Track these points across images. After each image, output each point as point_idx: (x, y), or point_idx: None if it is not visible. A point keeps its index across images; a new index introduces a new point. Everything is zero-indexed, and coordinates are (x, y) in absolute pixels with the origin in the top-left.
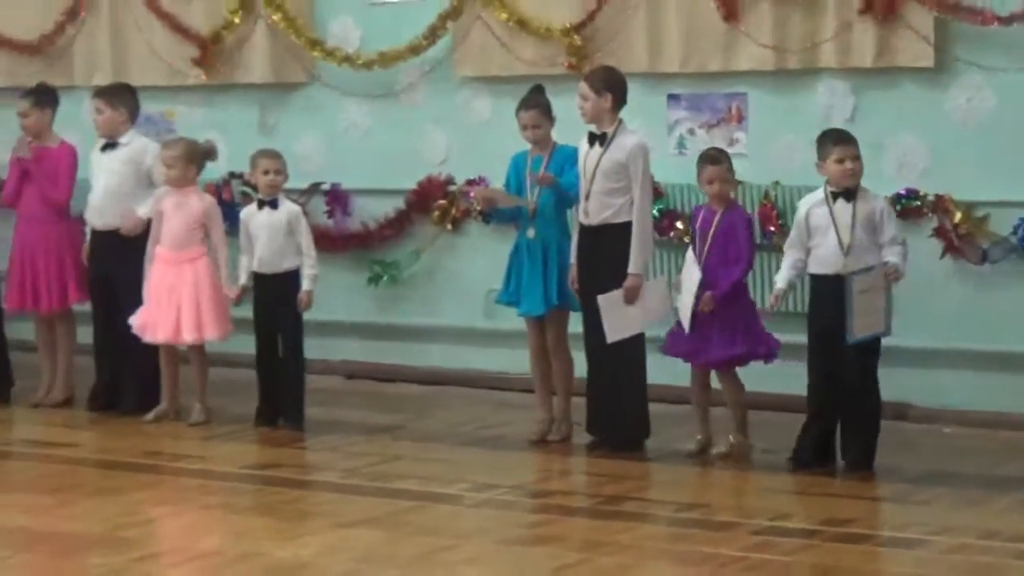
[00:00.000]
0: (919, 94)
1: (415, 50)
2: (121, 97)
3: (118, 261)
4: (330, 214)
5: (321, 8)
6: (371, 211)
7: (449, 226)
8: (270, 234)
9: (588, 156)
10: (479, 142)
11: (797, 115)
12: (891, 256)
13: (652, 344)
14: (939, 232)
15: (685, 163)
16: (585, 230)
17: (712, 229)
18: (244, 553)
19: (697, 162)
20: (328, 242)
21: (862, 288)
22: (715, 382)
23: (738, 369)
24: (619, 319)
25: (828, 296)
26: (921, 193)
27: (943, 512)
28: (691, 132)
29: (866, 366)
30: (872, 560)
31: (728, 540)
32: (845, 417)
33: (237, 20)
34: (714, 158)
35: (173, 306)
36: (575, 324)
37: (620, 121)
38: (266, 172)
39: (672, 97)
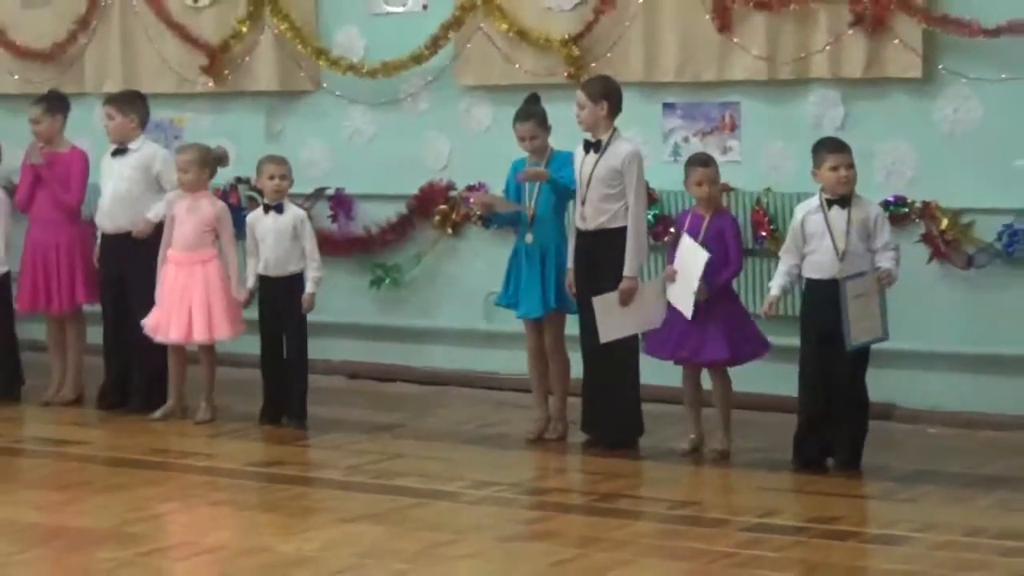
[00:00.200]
0: (907, 104)
1: (418, 59)
2: (132, 104)
3: (128, 263)
4: (334, 218)
5: (327, 18)
6: (374, 216)
7: (450, 230)
8: (276, 238)
9: (584, 163)
10: (479, 149)
11: (789, 124)
12: (884, 261)
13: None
14: (926, 238)
15: (680, 170)
16: (582, 235)
17: (701, 234)
18: (249, 548)
19: (685, 166)
20: (332, 246)
21: (856, 293)
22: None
23: (730, 370)
24: (613, 320)
25: (823, 300)
26: (909, 200)
27: (929, 510)
28: (686, 140)
29: (856, 369)
30: (859, 556)
31: (719, 537)
32: (834, 418)
33: (245, 30)
34: (703, 161)
35: (185, 307)
36: (572, 326)
37: (615, 129)
38: (272, 177)
39: (667, 106)
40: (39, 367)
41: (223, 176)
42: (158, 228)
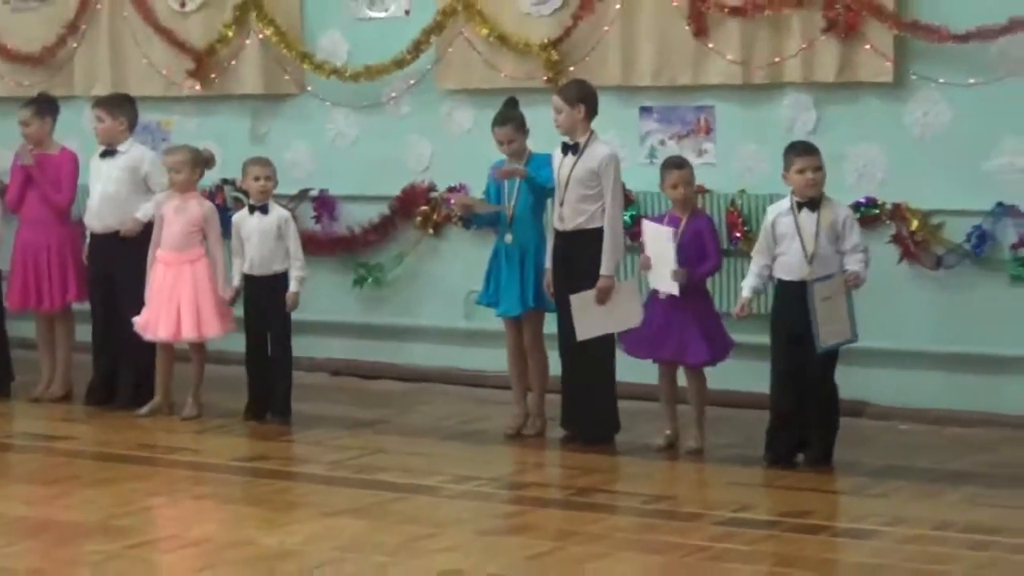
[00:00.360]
0: (878, 108)
1: (400, 63)
2: (121, 107)
3: (116, 263)
4: (318, 219)
5: (311, 23)
6: (357, 216)
7: (431, 231)
8: (261, 238)
9: (562, 165)
10: (460, 151)
11: (763, 127)
12: (852, 264)
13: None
14: (896, 239)
15: (656, 172)
16: (560, 235)
17: (678, 235)
18: (234, 541)
19: (661, 169)
20: (316, 246)
21: (824, 295)
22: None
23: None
24: (589, 319)
25: (793, 301)
26: (880, 202)
27: (898, 504)
28: (662, 143)
29: (826, 367)
30: (830, 550)
31: (693, 530)
32: (806, 416)
33: (231, 34)
34: (677, 163)
35: (174, 306)
36: (550, 325)
37: (593, 132)
38: (257, 179)
39: (644, 109)
40: (28, 364)
41: (209, 177)
42: (146, 227)
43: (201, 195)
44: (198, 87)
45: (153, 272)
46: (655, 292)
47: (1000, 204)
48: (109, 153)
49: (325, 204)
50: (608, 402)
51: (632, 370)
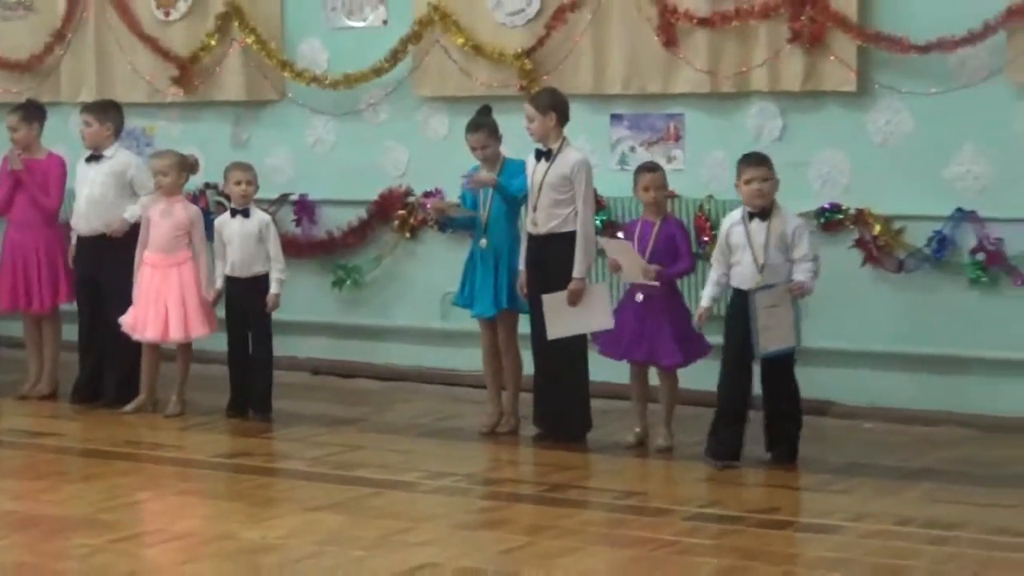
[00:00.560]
0: (842, 116)
1: (378, 72)
2: (108, 113)
3: (102, 265)
4: (298, 222)
5: (292, 32)
6: (336, 220)
7: (407, 234)
8: (242, 241)
9: (536, 170)
10: (436, 157)
11: (730, 134)
12: (799, 274)
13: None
14: (860, 243)
15: (627, 177)
16: (533, 239)
17: (651, 240)
18: (217, 535)
19: (634, 173)
20: (296, 248)
21: (766, 304)
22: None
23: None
24: (560, 319)
25: (746, 309)
26: (843, 207)
27: (861, 500)
28: (632, 149)
29: (786, 369)
30: (795, 544)
31: (662, 525)
32: (770, 416)
33: (214, 42)
34: (649, 167)
35: (161, 307)
36: (524, 325)
37: (565, 138)
38: (238, 183)
39: (615, 117)
40: (15, 363)
41: (192, 182)
42: (132, 229)
43: (186, 199)
44: (181, 94)
45: (140, 274)
46: (630, 295)
47: (959, 210)
48: (95, 158)
49: (305, 208)
50: (580, 401)
51: (603, 369)
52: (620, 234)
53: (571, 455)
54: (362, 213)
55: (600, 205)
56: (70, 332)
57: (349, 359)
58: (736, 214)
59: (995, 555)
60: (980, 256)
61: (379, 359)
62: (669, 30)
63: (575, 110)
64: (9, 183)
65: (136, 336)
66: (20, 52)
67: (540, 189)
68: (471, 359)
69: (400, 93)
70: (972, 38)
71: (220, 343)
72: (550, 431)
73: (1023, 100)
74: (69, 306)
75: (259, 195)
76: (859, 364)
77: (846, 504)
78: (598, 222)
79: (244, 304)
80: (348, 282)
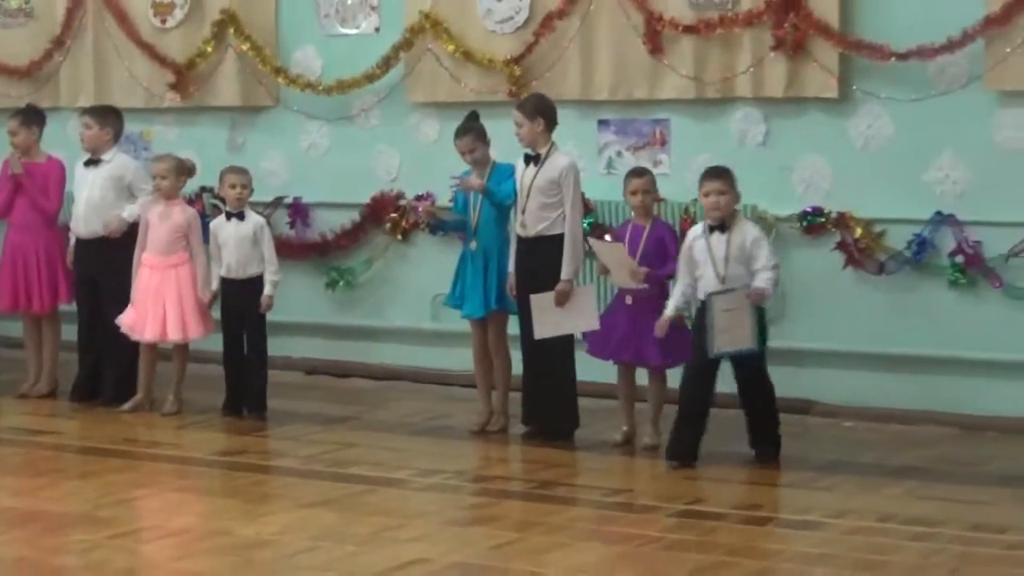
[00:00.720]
0: (824, 121)
1: (370, 78)
2: (108, 117)
3: (101, 266)
4: (292, 225)
5: (286, 39)
6: (329, 223)
7: (399, 237)
8: (237, 243)
9: (525, 174)
10: (427, 162)
11: (715, 139)
12: (759, 282)
13: (583, 344)
14: (841, 246)
15: (614, 181)
16: (522, 241)
17: (641, 243)
18: (213, 531)
19: (624, 178)
20: (290, 250)
21: (724, 307)
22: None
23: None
24: (547, 319)
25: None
26: (826, 211)
27: (843, 497)
28: (619, 154)
29: (757, 370)
30: (778, 540)
31: (648, 522)
32: (749, 416)
33: (210, 49)
34: (638, 172)
35: (159, 308)
36: (514, 326)
37: (553, 143)
38: (233, 186)
39: (602, 122)
40: (15, 362)
41: (189, 185)
42: (131, 229)
43: (183, 202)
44: (178, 99)
45: (139, 275)
46: (619, 297)
47: (939, 213)
48: (94, 162)
49: (299, 211)
50: (568, 400)
51: (590, 369)
52: (608, 236)
53: (559, 453)
54: (355, 216)
55: (588, 208)
56: (69, 332)
57: (342, 359)
58: (698, 228)
59: (974, 550)
60: (959, 259)
61: (372, 359)
62: (655, 37)
63: (563, 116)
64: (9, 186)
65: (134, 336)
66: (20, 58)
67: (529, 193)
68: (462, 359)
69: (392, 99)
70: (951, 46)
71: (216, 343)
72: (539, 429)
73: (1001, 107)
74: (68, 307)
75: (254, 198)
76: (841, 364)
77: (828, 501)
78: (586, 225)
79: (239, 305)
80: (341, 283)
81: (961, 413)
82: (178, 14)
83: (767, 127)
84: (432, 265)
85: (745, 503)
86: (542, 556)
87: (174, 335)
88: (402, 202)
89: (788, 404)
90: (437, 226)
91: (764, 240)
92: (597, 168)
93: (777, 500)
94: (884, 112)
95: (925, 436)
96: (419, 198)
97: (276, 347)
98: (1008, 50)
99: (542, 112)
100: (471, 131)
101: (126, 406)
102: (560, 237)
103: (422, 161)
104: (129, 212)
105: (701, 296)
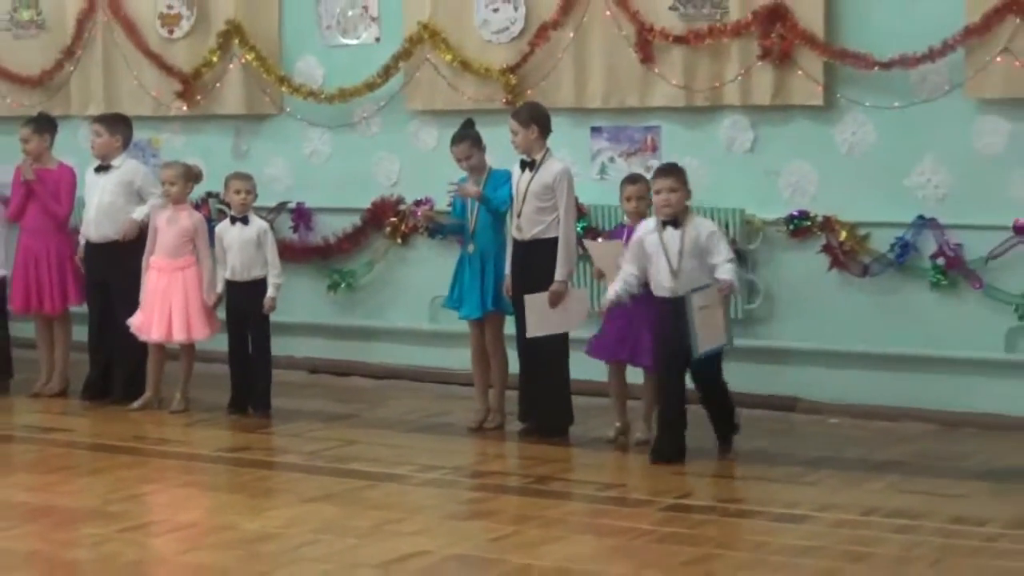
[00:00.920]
0: (810, 128)
1: (371, 87)
2: (118, 125)
3: (111, 269)
4: (295, 229)
5: (289, 49)
6: (331, 227)
7: (399, 240)
8: (241, 246)
9: (520, 180)
10: (426, 168)
11: (704, 146)
12: (723, 274)
13: (577, 344)
14: (826, 248)
15: (606, 186)
16: (518, 244)
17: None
18: (219, 525)
19: (620, 184)
20: (293, 253)
21: (701, 304)
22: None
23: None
24: (541, 318)
25: (668, 316)
26: (811, 214)
27: (828, 491)
28: (611, 160)
29: (715, 368)
30: (766, 533)
31: (641, 515)
32: (713, 411)
33: (215, 59)
34: (632, 179)
35: (166, 309)
36: (510, 327)
37: (548, 149)
38: (238, 192)
39: (595, 129)
40: (28, 362)
41: (195, 191)
42: (141, 234)
43: (190, 207)
44: (185, 107)
45: (147, 277)
46: None
47: (921, 217)
48: (104, 168)
49: (302, 215)
50: (563, 398)
51: (584, 368)
52: (601, 239)
53: (554, 449)
54: (356, 220)
55: (581, 212)
56: (80, 333)
57: (344, 358)
58: (651, 222)
59: (955, 542)
60: (940, 261)
61: (372, 359)
62: (646, 47)
63: (558, 123)
64: (22, 192)
65: (143, 337)
66: (32, 68)
67: (524, 197)
68: (460, 358)
69: (392, 107)
70: (932, 55)
71: (222, 343)
72: (535, 426)
73: (980, 114)
74: (79, 308)
75: (258, 203)
76: (826, 362)
77: (814, 495)
78: (579, 229)
79: (244, 306)
80: (343, 285)
81: (942, 410)
82: (185, 25)
83: (755, 134)
84: (431, 268)
85: (733, 497)
86: (538, 548)
87: (179, 336)
88: (402, 207)
89: (775, 401)
90: (436, 230)
91: (719, 233)
92: (590, 173)
93: (764, 494)
94: (868, 119)
95: (907, 432)
96: (418, 203)
97: (280, 347)
98: (987, 59)
99: (536, 120)
100: (467, 138)
101: (135, 404)
102: (555, 240)
103: (421, 167)
104: (139, 212)
105: (658, 292)
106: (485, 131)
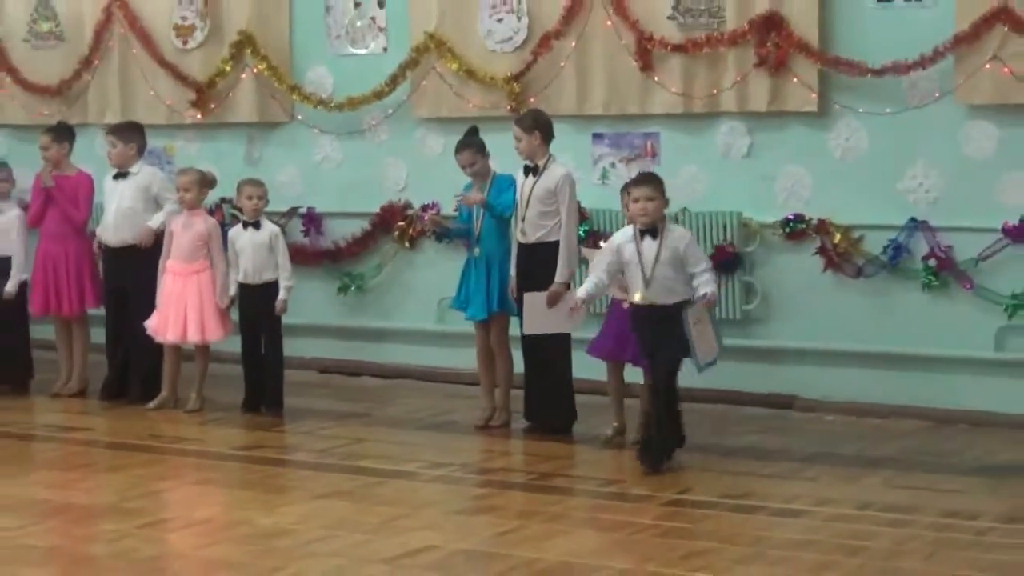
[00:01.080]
0: (805, 134)
1: (379, 95)
2: (131, 134)
3: (129, 273)
4: (306, 233)
5: (299, 59)
6: (341, 231)
7: (407, 244)
8: (254, 250)
9: (524, 185)
10: (433, 173)
11: (702, 151)
12: (703, 286)
13: (579, 344)
14: (821, 251)
15: (607, 191)
16: (522, 247)
17: None
18: (233, 521)
19: (621, 189)
20: (304, 257)
21: (694, 320)
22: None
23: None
24: (538, 317)
25: (639, 322)
26: (806, 218)
27: (825, 487)
28: (612, 165)
29: (671, 374)
30: (765, 527)
31: (642, 510)
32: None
33: (228, 68)
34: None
35: (181, 311)
36: (515, 327)
37: (551, 155)
38: (250, 197)
39: (596, 136)
40: (48, 363)
41: (209, 197)
42: (157, 239)
43: (204, 212)
44: (199, 116)
45: (163, 280)
46: (616, 301)
47: (913, 220)
48: (122, 175)
49: (312, 220)
50: (566, 396)
51: (586, 367)
52: (603, 243)
53: (558, 446)
54: (365, 225)
55: (583, 217)
56: (99, 335)
57: (354, 359)
58: (628, 231)
59: (948, 536)
60: (932, 262)
61: (381, 359)
62: (646, 56)
63: (560, 130)
64: (41, 198)
65: (159, 338)
66: (51, 77)
67: (528, 202)
68: (466, 358)
69: (399, 114)
70: (923, 62)
71: (235, 344)
72: (539, 424)
73: (970, 119)
74: (97, 311)
75: (270, 208)
76: (822, 362)
77: (811, 490)
78: (581, 232)
79: (256, 309)
80: (352, 288)
81: (934, 407)
82: (198, 36)
83: (751, 140)
84: (438, 270)
85: (733, 492)
86: (542, 543)
87: (193, 337)
88: (409, 211)
89: (773, 399)
90: (442, 234)
91: (694, 241)
92: (592, 179)
93: (763, 489)
94: (861, 125)
95: (901, 429)
96: (425, 208)
97: (291, 348)
98: (976, 66)
99: (540, 126)
100: (470, 146)
101: (152, 404)
102: (558, 244)
103: (428, 172)
104: (155, 220)
105: (631, 299)
106: (490, 137)
